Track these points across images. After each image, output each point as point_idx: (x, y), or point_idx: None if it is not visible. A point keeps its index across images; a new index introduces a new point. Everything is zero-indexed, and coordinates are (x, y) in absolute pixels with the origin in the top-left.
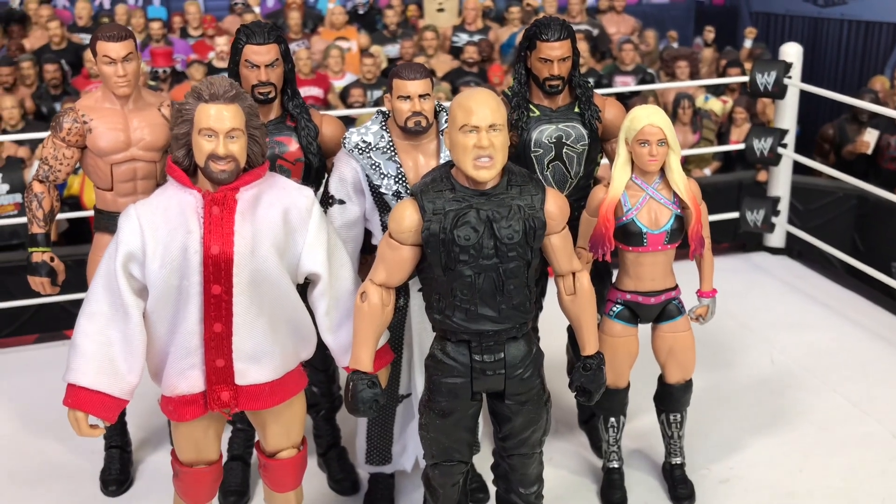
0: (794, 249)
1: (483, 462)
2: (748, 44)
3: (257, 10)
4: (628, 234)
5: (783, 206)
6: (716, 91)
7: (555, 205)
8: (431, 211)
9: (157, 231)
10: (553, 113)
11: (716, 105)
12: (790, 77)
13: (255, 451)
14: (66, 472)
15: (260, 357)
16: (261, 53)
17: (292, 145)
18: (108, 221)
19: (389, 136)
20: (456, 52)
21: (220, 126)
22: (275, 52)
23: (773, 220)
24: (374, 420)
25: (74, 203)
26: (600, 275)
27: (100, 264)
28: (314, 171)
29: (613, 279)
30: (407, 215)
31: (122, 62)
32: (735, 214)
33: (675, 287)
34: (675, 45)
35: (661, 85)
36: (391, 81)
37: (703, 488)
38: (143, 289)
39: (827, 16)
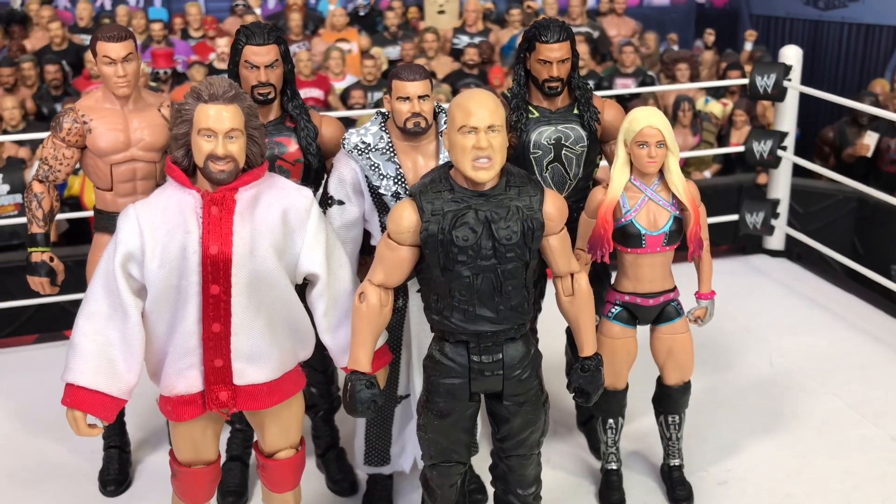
0: (794, 252)
1: (481, 463)
2: (748, 46)
3: (258, 11)
4: (627, 236)
5: (783, 209)
6: (716, 94)
7: (553, 206)
8: (430, 212)
9: (156, 231)
10: (552, 114)
11: (716, 107)
12: (790, 80)
13: (253, 452)
14: (64, 472)
15: (258, 357)
16: (260, 54)
17: (292, 146)
18: (107, 221)
19: (389, 137)
20: (456, 53)
21: (219, 126)
22: (274, 53)
23: (773, 222)
24: (372, 421)
25: (75, 203)
26: (599, 276)
27: (99, 264)
28: (313, 171)
29: (612, 281)
30: (405, 216)
31: (122, 62)
32: (735, 217)
33: (674, 289)
34: (676, 47)
35: (661, 87)
36: (390, 82)
37: (701, 490)
38: (142, 289)
39: (827, 19)
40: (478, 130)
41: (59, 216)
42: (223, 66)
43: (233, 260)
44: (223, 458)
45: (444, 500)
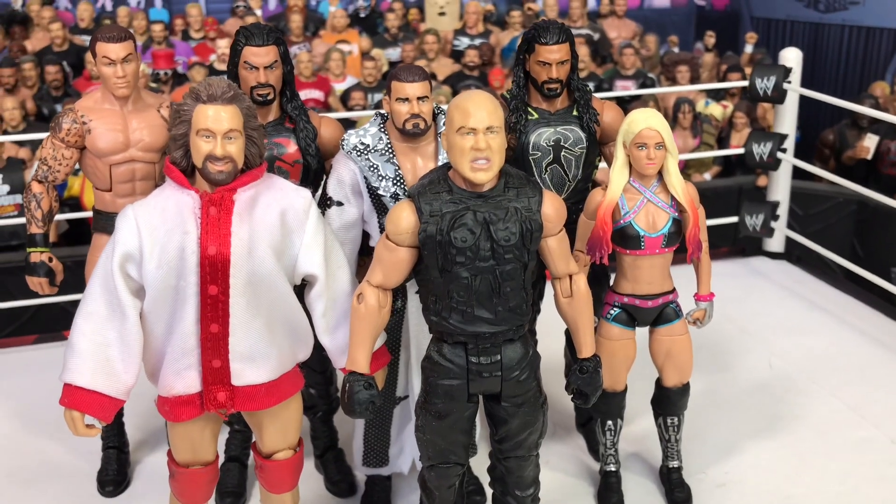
0: (794, 254)
1: (480, 464)
2: (749, 49)
3: (259, 12)
4: (626, 238)
5: (782, 211)
6: (716, 96)
7: (551, 207)
8: (428, 213)
9: (155, 231)
10: (551, 116)
11: (716, 110)
12: (790, 82)
13: (251, 453)
14: (63, 472)
15: (256, 358)
16: (260, 55)
17: (291, 147)
18: (106, 222)
19: (388, 138)
20: (457, 55)
21: (217, 127)
22: (274, 54)
23: (773, 224)
24: (371, 422)
25: (75, 204)
26: (598, 278)
27: (97, 264)
28: (312, 172)
29: (611, 282)
30: (404, 217)
31: (122, 63)
32: (734, 219)
33: (673, 290)
34: (676, 49)
35: (661, 89)
36: (390, 83)
37: (699, 492)
38: (140, 289)
39: (828, 21)
40: (476, 132)
41: (59, 217)
42: (224, 67)
43: (231, 260)
44: (221, 459)
45: (443, 502)
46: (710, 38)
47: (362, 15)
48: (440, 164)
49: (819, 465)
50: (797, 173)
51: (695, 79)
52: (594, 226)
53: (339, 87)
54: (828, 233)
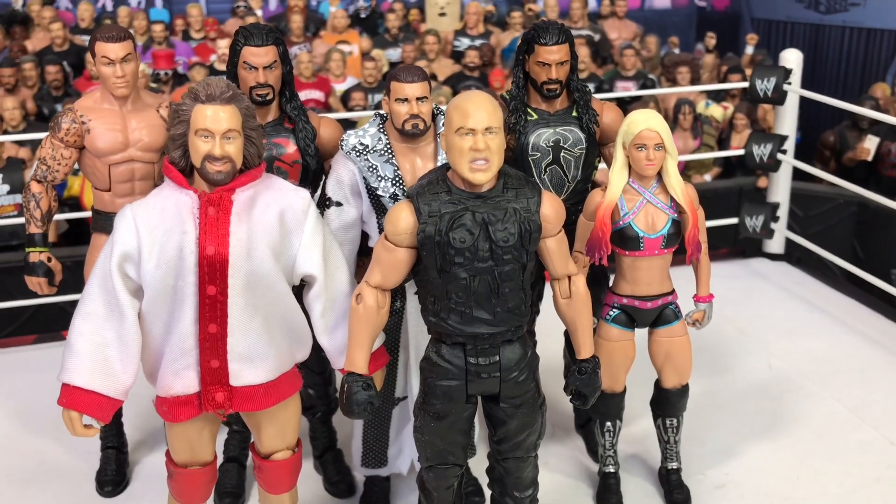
0: (794, 255)
1: (479, 465)
2: (749, 50)
3: (259, 13)
4: (625, 239)
5: (782, 212)
6: (717, 97)
7: (550, 208)
8: (427, 213)
9: (153, 231)
10: (551, 117)
11: (716, 111)
12: (790, 83)
13: (250, 453)
14: (62, 472)
15: (254, 358)
16: (259, 55)
17: (290, 147)
18: (105, 222)
19: (387, 139)
20: (457, 56)
21: (216, 127)
22: (273, 54)
23: (773, 226)
24: (369, 423)
25: (75, 204)
26: (597, 279)
27: (95, 264)
28: (312, 173)
29: (610, 283)
30: (402, 217)
31: (121, 63)
32: (734, 220)
33: (672, 291)
34: (677, 50)
35: (662, 90)
36: (389, 84)
37: (698, 493)
38: (139, 289)
39: (828, 22)
40: (475, 132)
41: (59, 216)
42: (224, 67)
43: (229, 261)
44: (220, 460)
45: (441, 502)
46: (711, 40)
47: (363, 15)
48: (439, 164)
49: (818, 467)
50: (797, 175)
51: (695, 80)
52: (593, 227)
53: (340, 87)
54: (828, 234)
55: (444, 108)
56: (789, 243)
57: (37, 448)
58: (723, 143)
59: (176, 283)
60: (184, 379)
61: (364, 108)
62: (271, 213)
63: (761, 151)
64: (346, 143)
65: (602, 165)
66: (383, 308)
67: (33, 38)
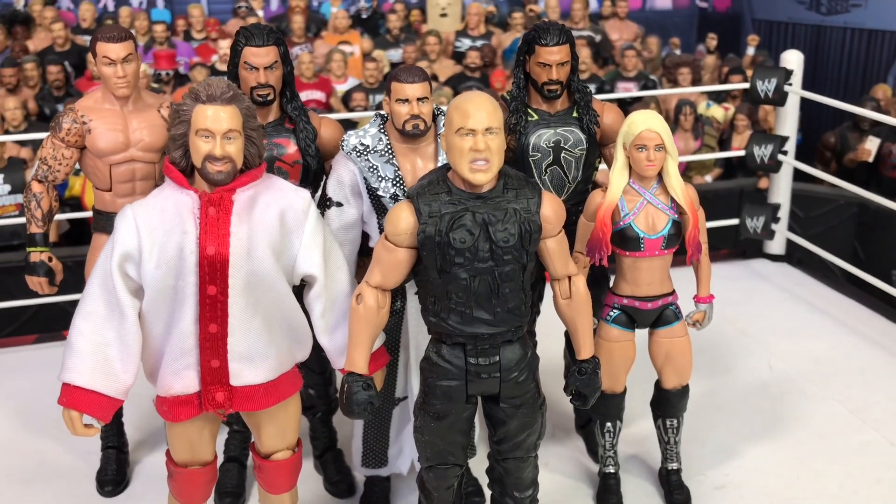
0: (795, 256)
1: (479, 465)
2: (751, 51)
3: (261, 13)
4: (625, 239)
5: (783, 213)
6: (718, 98)
7: (550, 208)
8: (427, 213)
9: (154, 231)
10: (551, 117)
11: (717, 112)
12: (791, 84)
13: (250, 453)
14: (62, 472)
15: (255, 358)
16: (260, 55)
17: (290, 147)
18: (106, 222)
19: (387, 139)
20: (458, 56)
21: (216, 127)
22: (274, 55)
23: (774, 226)
24: (370, 423)
25: (76, 204)
26: (597, 279)
27: (96, 264)
28: (312, 173)
29: (611, 284)
30: (403, 217)
31: (122, 63)
32: (735, 221)
33: (673, 292)
34: (678, 51)
35: (663, 91)
36: (390, 84)
37: (698, 494)
38: (139, 289)
39: (830, 24)
40: (475, 132)
41: (60, 216)
42: (226, 67)
43: (230, 261)
44: (220, 459)
45: (441, 503)
46: (712, 41)
47: (364, 16)
48: (440, 164)
49: (818, 468)
50: (798, 176)
51: (696, 81)
52: (594, 227)
53: (341, 88)
54: (829, 235)
55: (444, 108)
56: (790, 244)
57: (37, 448)
58: (724, 144)
59: (176, 283)
60: (184, 379)
61: (365, 109)
62: (272, 213)
63: (762, 152)
64: (346, 144)
65: (602, 166)
66: (383, 308)
67: (35, 38)
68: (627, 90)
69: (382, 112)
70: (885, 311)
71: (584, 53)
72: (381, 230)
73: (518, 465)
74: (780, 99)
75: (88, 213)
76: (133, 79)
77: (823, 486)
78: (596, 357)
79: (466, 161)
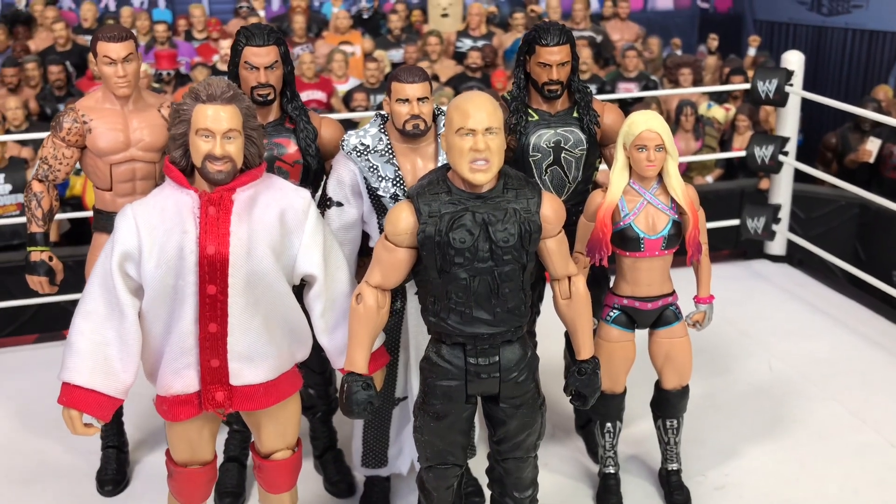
0: (795, 257)
1: (479, 466)
2: (752, 52)
3: (262, 13)
4: (625, 240)
5: (784, 214)
6: (719, 98)
7: (550, 208)
8: (427, 213)
9: (154, 231)
10: (552, 118)
11: (718, 112)
12: (791, 85)
13: (250, 453)
14: (62, 471)
15: (255, 358)
16: (260, 55)
17: (291, 147)
18: (106, 221)
19: (388, 139)
20: (459, 57)
21: (217, 127)
22: (274, 54)
23: (774, 227)
24: (369, 423)
25: (77, 203)
26: (597, 280)
27: (96, 263)
28: (312, 173)
29: (611, 284)
30: (403, 217)
31: (123, 63)
32: (736, 222)
33: (673, 293)
34: (679, 52)
35: (664, 92)
36: (390, 84)
37: (698, 495)
38: (139, 288)
39: (831, 24)
40: (475, 132)
41: (61, 216)
42: (226, 67)
43: (230, 260)
44: (220, 459)
45: (441, 503)
46: (713, 41)
47: (365, 16)
48: (440, 164)
49: (819, 469)
50: (799, 176)
51: (697, 81)
52: (594, 227)
53: (342, 88)
54: (830, 236)
55: (445, 108)
56: (791, 245)
57: (37, 448)
58: (724, 145)
59: (176, 283)
60: (184, 378)
61: (366, 109)
62: (272, 213)
63: (763, 153)
64: (346, 144)
65: (603, 166)
66: (383, 308)
67: (36, 38)
68: (628, 91)
69: (383, 112)
70: (886, 312)
71: (585, 54)
72: (382, 230)
73: (518, 466)
74: (781, 100)
75: (89, 213)
76: (133, 78)
77: (823, 486)
78: (596, 357)
79: (466, 161)
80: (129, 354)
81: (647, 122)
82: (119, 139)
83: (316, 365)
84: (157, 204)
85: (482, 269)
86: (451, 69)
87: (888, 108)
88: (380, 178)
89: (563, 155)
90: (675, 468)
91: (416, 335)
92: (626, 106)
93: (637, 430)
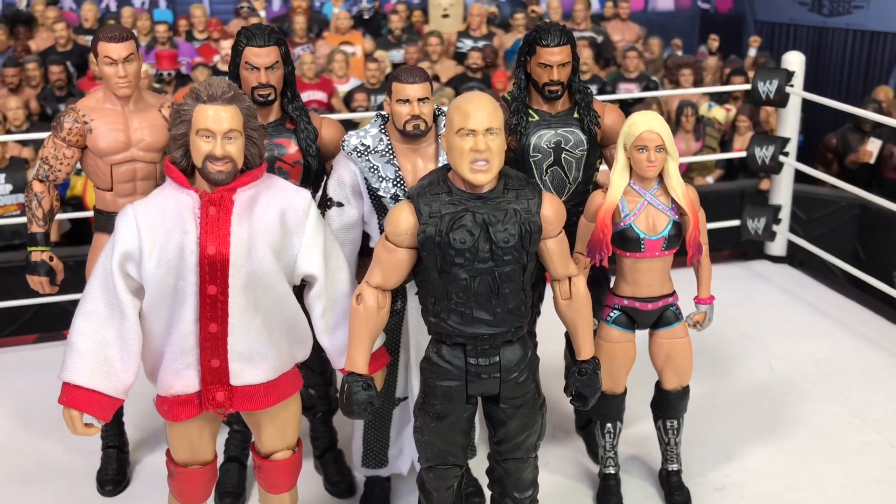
0: (796, 258)
1: (479, 466)
2: (752, 52)
3: (263, 13)
4: (626, 240)
5: (784, 215)
6: (719, 99)
7: (551, 209)
8: (428, 214)
9: (154, 231)
10: (552, 118)
11: (719, 113)
12: (792, 85)
13: (251, 453)
14: (63, 471)
15: (255, 358)
16: (261, 55)
17: (291, 147)
18: (107, 222)
19: (388, 140)
20: (460, 57)
21: (217, 127)
22: (275, 55)
23: (775, 228)
24: (370, 423)
25: (77, 204)
26: (598, 280)
27: (97, 264)
28: (313, 173)
29: (611, 285)
30: (403, 218)
31: (123, 63)
32: (737, 222)
33: (673, 293)
34: (680, 52)
35: (664, 92)
36: (391, 85)
37: (699, 495)
38: (140, 288)
39: (832, 25)
40: (476, 133)
41: (62, 216)
42: (227, 68)
43: (230, 260)
44: (221, 459)
45: (441, 503)
46: (714, 42)
47: (366, 17)
48: (440, 165)
49: (819, 469)
50: (800, 177)
51: (698, 82)
52: (594, 228)
53: (343, 88)
54: (830, 237)
55: (445, 109)
56: (791, 245)
57: (37, 448)
58: (725, 146)
59: (177, 283)
60: (184, 378)
61: (367, 109)
62: (272, 213)
63: (763, 154)
64: (347, 144)
65: (603, 167)
66: (384, 308)
67: (37, 38)
68: (629, 91)
69: (383, 112)
70: (886, 313)
71: (586, 54)
72: (382, 230)
73: (518, 466)
74: (781, 100)
75: (89, 213)
76: (134, 79)
77: (823, 486)
78: (596, 358)
79: (467, 161)
80: (130, 354)
81: (647, 123)
82: (120, 139)
83: (316, 365)
84: (157, 204)
85: (482, 270)
86: (451, 70)
87: (889, 108)
88: (380, 179)
89: (563, 155)
90: (675, 469)
91: (417, 335)
92: (627, 106)
93: (637, 431)
